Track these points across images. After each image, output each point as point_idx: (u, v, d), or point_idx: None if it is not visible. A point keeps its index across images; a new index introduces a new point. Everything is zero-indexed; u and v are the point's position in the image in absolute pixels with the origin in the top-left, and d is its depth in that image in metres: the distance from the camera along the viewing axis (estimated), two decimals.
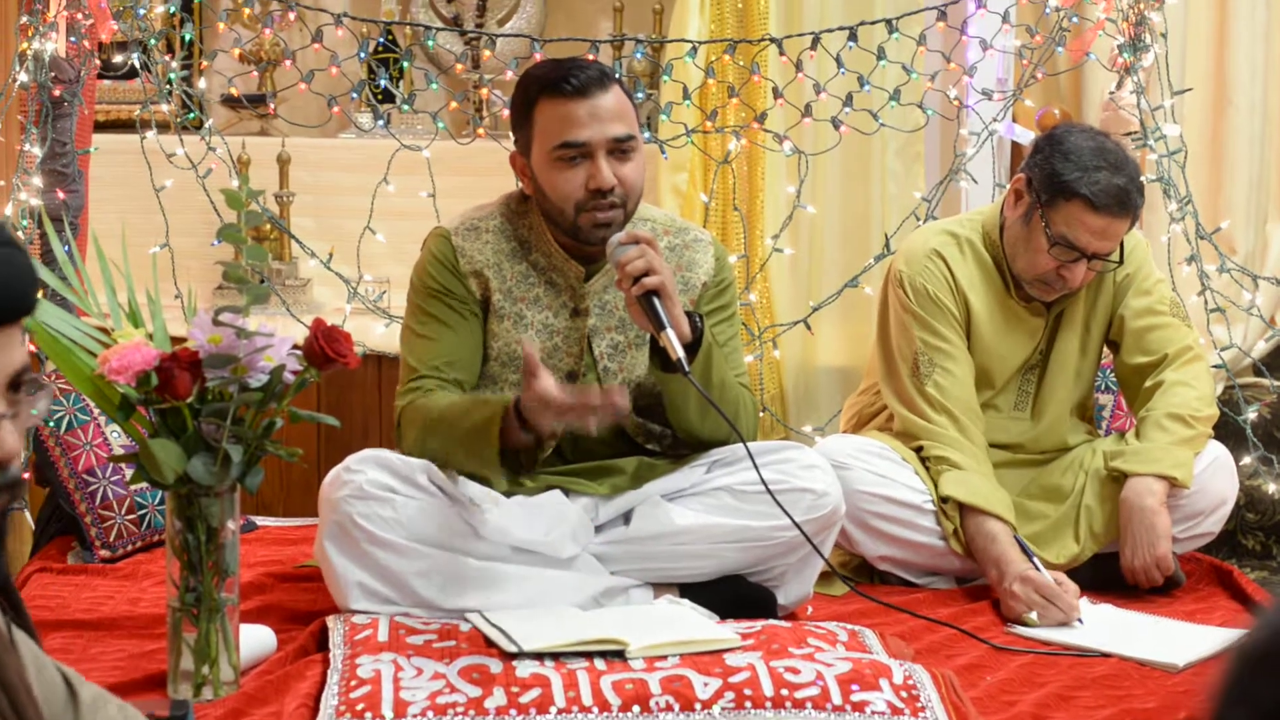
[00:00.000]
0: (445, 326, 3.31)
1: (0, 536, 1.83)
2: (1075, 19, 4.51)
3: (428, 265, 3.36)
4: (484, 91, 4.65)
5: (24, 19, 3.98)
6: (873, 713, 2.80)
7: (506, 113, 3.65)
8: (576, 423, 2.99)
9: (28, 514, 3.92)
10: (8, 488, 1.77)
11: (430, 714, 2.70)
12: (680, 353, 3.10)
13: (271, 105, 4.76)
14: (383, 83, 4.50)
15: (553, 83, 3.25)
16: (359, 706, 2.71)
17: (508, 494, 3.29)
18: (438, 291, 3.33)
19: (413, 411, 3.25)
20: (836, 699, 2.80)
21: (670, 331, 3.10)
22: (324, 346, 2.74)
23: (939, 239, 3.85)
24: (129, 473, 3.64)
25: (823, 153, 4.51)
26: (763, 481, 3.17)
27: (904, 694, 2.83)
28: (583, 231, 3.24)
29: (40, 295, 2.54)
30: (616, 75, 3.39)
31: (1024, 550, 3.55)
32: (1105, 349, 3.94)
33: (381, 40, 5.23)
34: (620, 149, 3.23)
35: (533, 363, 2.98)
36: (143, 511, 3.76)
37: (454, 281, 3.33)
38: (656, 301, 3.11)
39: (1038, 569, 3.49)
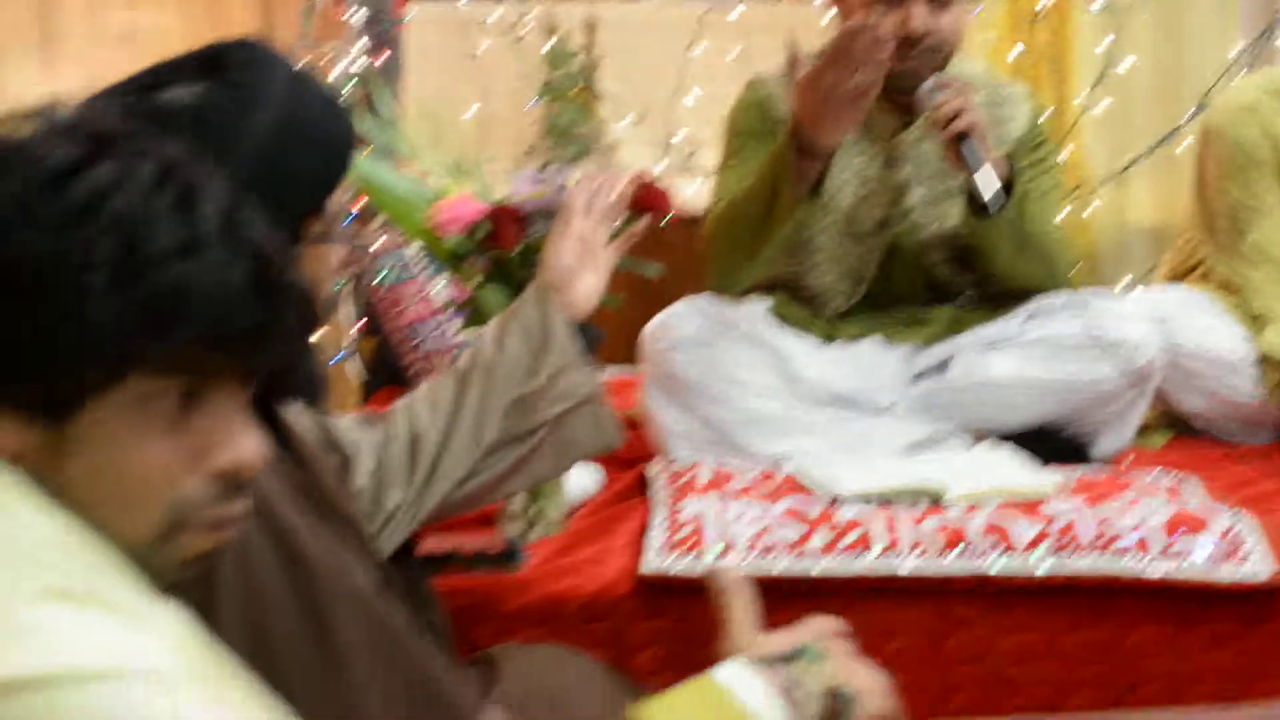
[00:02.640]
0: (753, 160, 3.34)
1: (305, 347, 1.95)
2: None
3: (741, 109, 3.42)
4: None
5: None
6: (1192, 562, 2.78)
7: None
8: (851, 105, 2.99)
9: (360, 361, 4.09)
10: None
11: (754, 553, 2.76)
12: (993, 192, 3.09)
13: None
14: None
15: None
16: (685, 544, 2.78)
17: (827, 340, 3.33)
18: (749, 133, 3.38)
19: (713, 221, 3.29)
20: (1158, 545, 2.79)
21: (983, 172, 3.09)
22: (647, 199, 2.78)
23: (1255, 93, 3.76)
24: (451, 327, 3.79)
25: (1133, 5, 4.43)
26: (1084, 326, 3.16)
27: (1226, 542, 2.81)
28: (893, 78, 3.22)
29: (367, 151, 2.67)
30: None
31: None
32: None
33: None
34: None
35: (795, 54, 3.02)
36: None
37: (765, 125, 3.36)
38: (969, 144, 3.11)
39: None
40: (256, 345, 1.27)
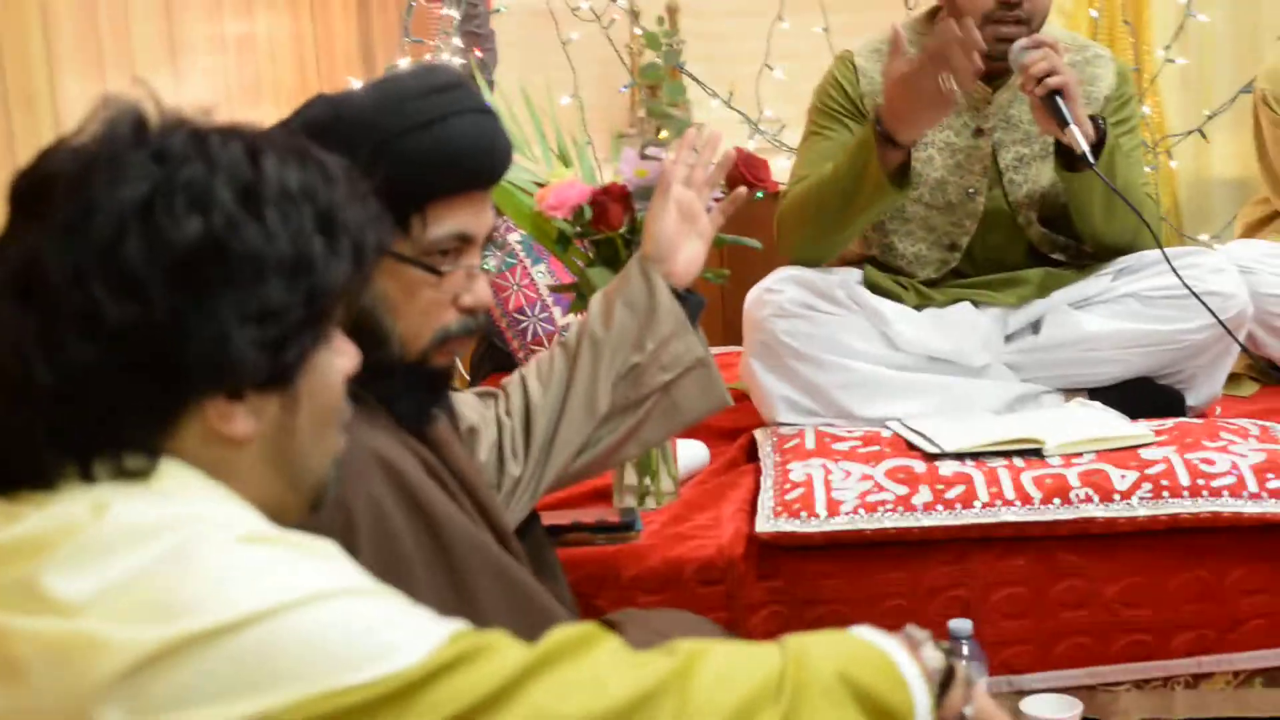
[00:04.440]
0: (835, 138, 3.44)
1: (452, 373, 2.08)
2: None
3: (828, 85, 3.51)
4: None
5: None
6: None
7: None
8: (938, 102, 3.09)
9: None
10: (478, 330, 2.03)
11: (862, 511, 2.86)
12: (1085, 146, 3.15)
13: None
14: None
15: None
16: (795, 507, 2.89)
17: (919, 307, 3.42)
18: (834, 110, 3.47)
19: (789, 198, 3.39)
20: (1252, 487, 2.87)
21: (1075, 127, 3.16)
22: (744, 171, 2.88)
23: None
24: (556, 312, 3.91)
25: None
26: (1179, 278, 3.22)
27: None
28: (987, 42, 3.31)
29: None
30: None
31: None
32: None
33: None
34: None
35: (898, 42, 3.11)
36: None
37: (851, 101, 3.45)
38: (1060, 100, 3.18)
39: None
40: None
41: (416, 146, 1.95)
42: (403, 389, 1.98)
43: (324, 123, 1.94)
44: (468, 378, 4.21)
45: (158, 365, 1.33)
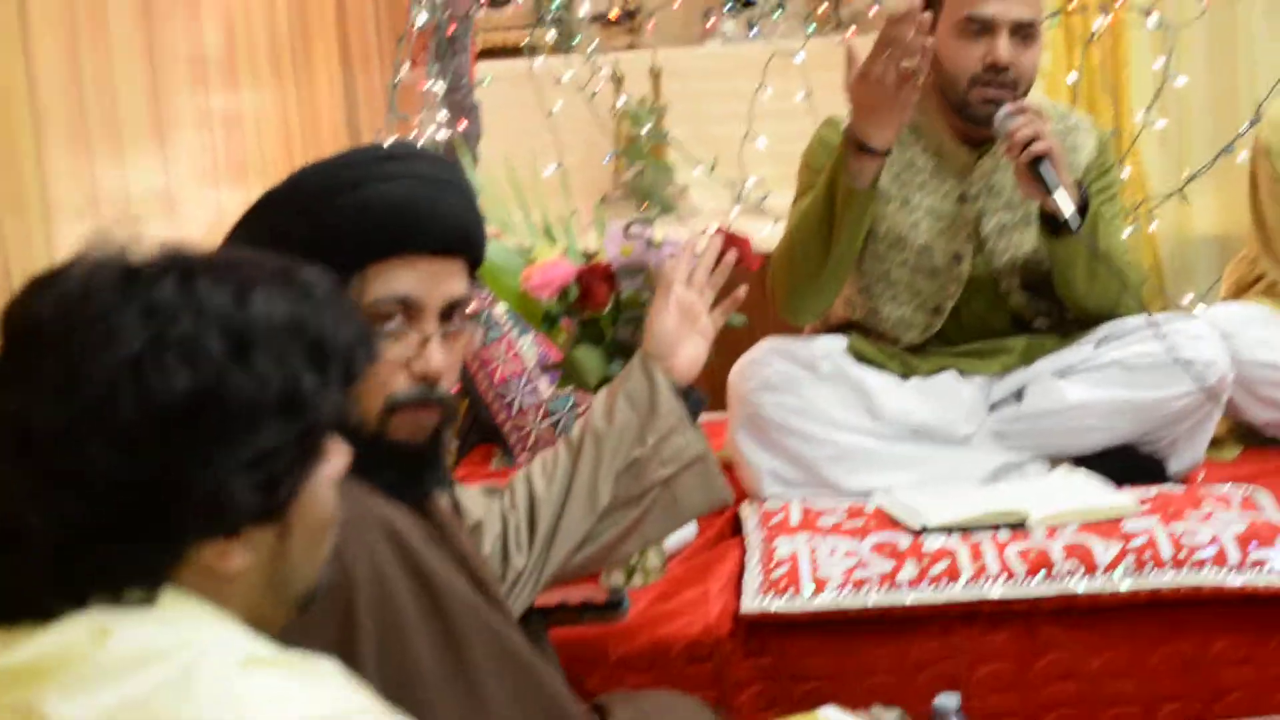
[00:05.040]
0: None
1: (441, 452, 2.09)
2: None
3: (815, 147, 3.52)
4: None
5: None
6: (1270, 570, 2.88)
7: (873, 11, 3.76)
8: (898, 96, 3.10)
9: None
10: (438, 403, 2.03)
11: (848, 588, 2.89)
12: (1071, 210, 3.18)
13: (650, 24, 4.94)
14: None
15: None
16: (781, 584, 2.91)
17: (903, 376, 3.45)
18: (818, 170, 3.48)
19: (778, 249, 3.41)
20: (1235, 558, 2.90)
21: (1060, 193, 3.18)
22: (727, 247, 2.90)
23: None
24: (541, 383, 3.92)
25: (1188, 24, 4.51)
26: (1165, 344, 3.27)
27: None
28: (971, 106, 3.34)
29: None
30: None
31: None
32: None
33: None
34: (1023, 33, 3.33)
35: (853, 58, 3.14)
36: (556, 417, 4.00)
37: None
38: (1046, 166, 3.21)
39: None
40: None
41: (346, 207, 1.98)
42: (374, 464, 1.98)
43: (278, 189, 2.01)
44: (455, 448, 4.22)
45: (153, 518, 1.34)
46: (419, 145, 2.16)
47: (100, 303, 1.36)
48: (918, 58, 3.06)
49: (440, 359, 2.03)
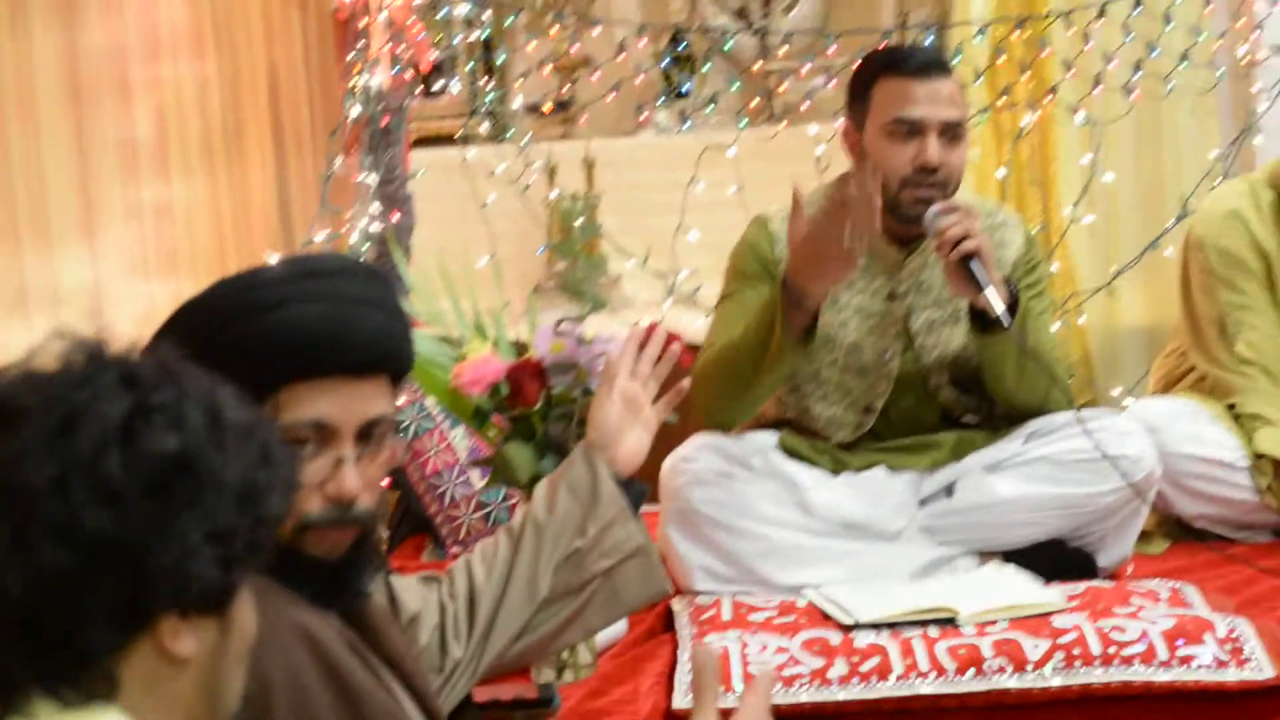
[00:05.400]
0: (750, 303, 3.46)
1: (362, 561, 2.07)
2: None
3: (743, 248, 3.54)
4: (782, 89, 4.82)
5: (350, 56, 4.25)
6: (1199, 666, 2.90)
7: (803, 105, 3.80)
8: (842, 263, 3.12)
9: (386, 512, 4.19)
10: (355, 522, 2.01)
11: (778, 685, 2.88)
12: (1002, 308, 3.21)
13: (583, 118, 4.97)
14: (686, 88, 4.68)
15: (895, 61, 3.42)
16: None
17: (834, 472, 3.46)
18: (750, 273, 3.50)
19: (701, 361, 3.42)
20: (1163, 654, 2.91)
21: (990, 290, 3.21)
22: (685, 362, 2.89)
23: (1234, 199, 3.89)
24: (473, 475, 3.91)
25: (1115, 121, 4.57)
26: (1094, 445, 3.31)
27: (1228, 647, 2.93)
28: (903, 206, 3.36)
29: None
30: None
31: None
32: None
33: (678, 46, 5.48)
34: (950, 132, 3.37)
35: (798, 200, 3.16)
36: (488, 509, 3.99)
37: (767, 265, 3.49)
38: (976, 264, 3.24)
39: None
40: None
41: (263, 329, 1.95)
42: (291, 576, 1.96)
43: (197, 302, 1.99)
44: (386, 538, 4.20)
45: (127, 575, 1.35)
46: (347, 256, 2.13)
47: (79, 373, 1.40)
48: (865, 238, 3.09)
49: (354, 482, 2.00)
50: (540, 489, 2.51)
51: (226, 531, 1.39)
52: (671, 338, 2.72)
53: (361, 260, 2.28)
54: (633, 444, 2.54)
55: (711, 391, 3.39)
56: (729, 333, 3.41)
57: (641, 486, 2.54)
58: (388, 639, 2.10)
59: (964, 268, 3.24)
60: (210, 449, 1.39)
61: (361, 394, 2.01)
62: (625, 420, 2.54)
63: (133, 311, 3.22)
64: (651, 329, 2.80)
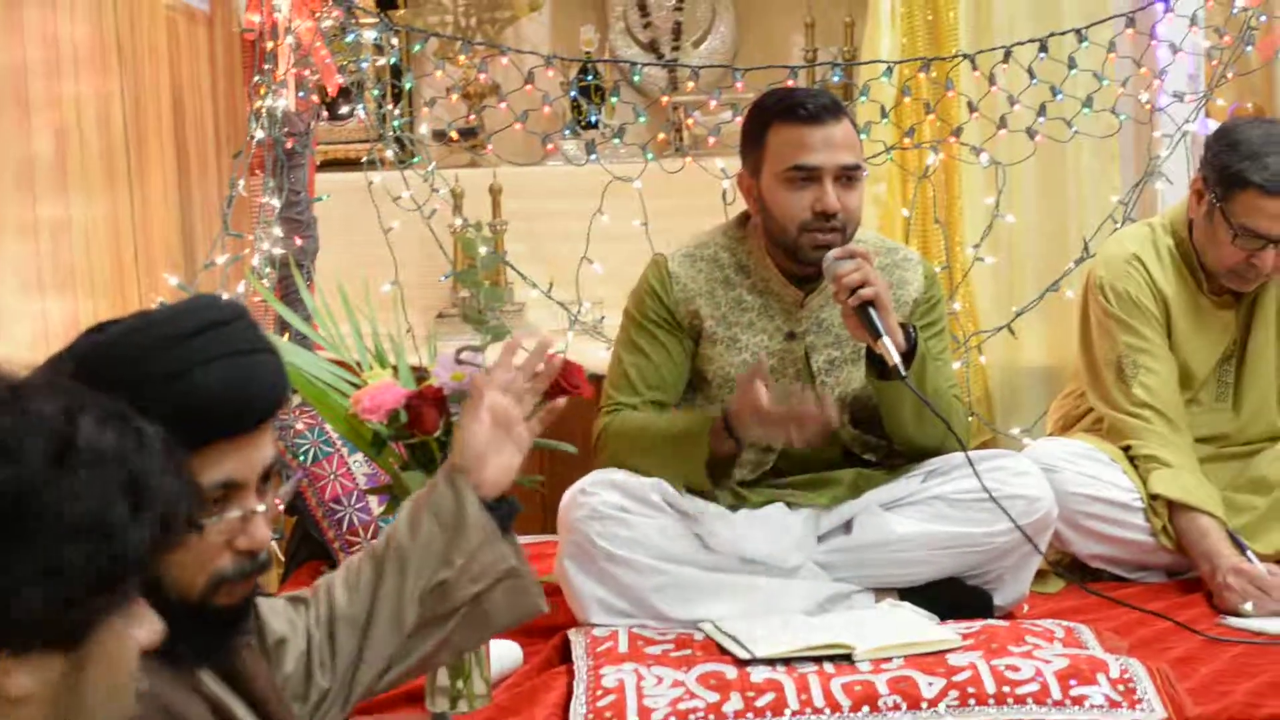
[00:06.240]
0: (653, 352, 3.50)
1: (246, 612, 2.04)
2: (1264, 18, 4.57)
3: (643, 293, 3.54)
4: (690, 122, 4.83)
5: (256, 78, 4.22)
6: (1091, 706, 2.92)
7: (711, 139, 3.82)
8: (781, 436, 3.22)
9: (274, 544, 4.15)
10: (262, 568, 1.99)
11: (673, 719, 2.87)
12: (897, 358, 3.24)
13: (489, 146, 4.96)
14: (595, 119, 4.69)
15: (789, 108, 3.41)
16: (606, 714, 2.89)
17: (733, 509, 3.46)
18: (650, 319, 3.51)
19: (618, 426, 3.44)
20: (1056, 694, 2.93)
21: (887, 339, 3.24)
22: (562, 380, 2.90)
23: (1135, 243, 3.93)
24: (371, 502, 3.89)
25: (1019, 162, 4.60)
26: (986, 490, 3.35)
27: (1121, 687, 2.95)
28: (802, 251, 3.38)
29: (285, 336, 2.72)
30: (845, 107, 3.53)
31: (1236, 543, 3.64)
32: None
33: (587, 77, 5.50)
34: (847, 176, 3.38)
35: (760, 371, 3.19)
36: None
37: (666, 309, 3.50)
38: (873, 311, 3.26)
39: (1250, 561, 3.58)
40: None
41: (162, 400, 1.83)
42: (181, 633, 1.92)
43: (92, 364, 1.87)
44: (283, 561, 4.17)
45: None
46: (218, 299, 2.05)
47: None
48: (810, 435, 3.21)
49: (265, 533, 1.98)
50: (404, 510, 2.42)
51: (63, 570, 1.34)
52: (565, 367, 2.70)
53: (228, 299, 2.21)
54: (503, 463, 2.42)
55: (621, 460, 3.44)
56: (636, 384, 3.47)
57: (514, 504, 2.45)
58: (255, 679, 2.07)
59: (862, 313, 3.26)
60: (50, 484, 1.34)
61: (260, 444, 1.97)
62: (495, 439, 2.43)
63: (28, 330, 3.17)
64: (517, 341, 2.76)
